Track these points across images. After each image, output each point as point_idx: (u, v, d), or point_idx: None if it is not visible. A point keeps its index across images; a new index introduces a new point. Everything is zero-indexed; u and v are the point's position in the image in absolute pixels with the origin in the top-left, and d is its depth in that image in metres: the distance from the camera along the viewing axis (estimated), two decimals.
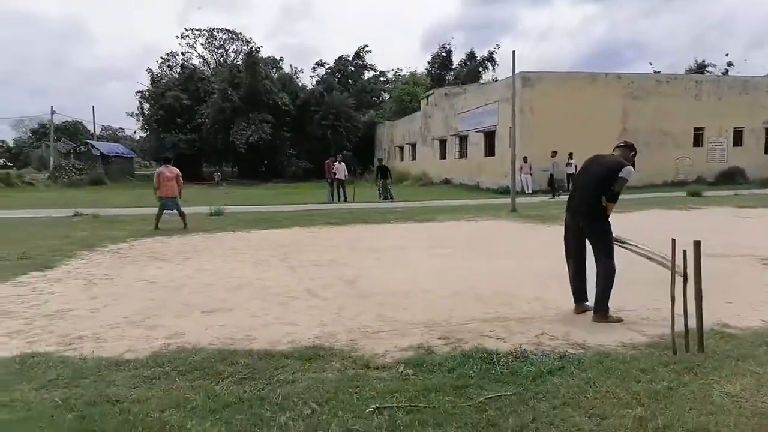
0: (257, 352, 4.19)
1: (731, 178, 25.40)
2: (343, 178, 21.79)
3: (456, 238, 10.89)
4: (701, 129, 25.96)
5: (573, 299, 5.29)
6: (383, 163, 25.65)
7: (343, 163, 22.15)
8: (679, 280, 3.92)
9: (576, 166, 22.13)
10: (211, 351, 4.22)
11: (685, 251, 3.89)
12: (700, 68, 43.48)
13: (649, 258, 4.53)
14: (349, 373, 3.76)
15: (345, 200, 21.29)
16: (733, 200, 17.25)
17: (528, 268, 7.59)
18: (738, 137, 26.53)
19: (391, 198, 21.79)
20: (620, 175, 4.86)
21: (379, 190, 22.58)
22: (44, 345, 4.49)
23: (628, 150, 5.17)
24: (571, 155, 22.84)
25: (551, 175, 21.85)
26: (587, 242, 5.12)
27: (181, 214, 12.74)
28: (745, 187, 22.38)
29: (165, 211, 12.73)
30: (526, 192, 22.62)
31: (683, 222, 12.75)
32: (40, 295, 6.29)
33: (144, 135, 54.88)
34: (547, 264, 7.21)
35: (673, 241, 3.96)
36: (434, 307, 5.56)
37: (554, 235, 10.19)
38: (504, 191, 21.69)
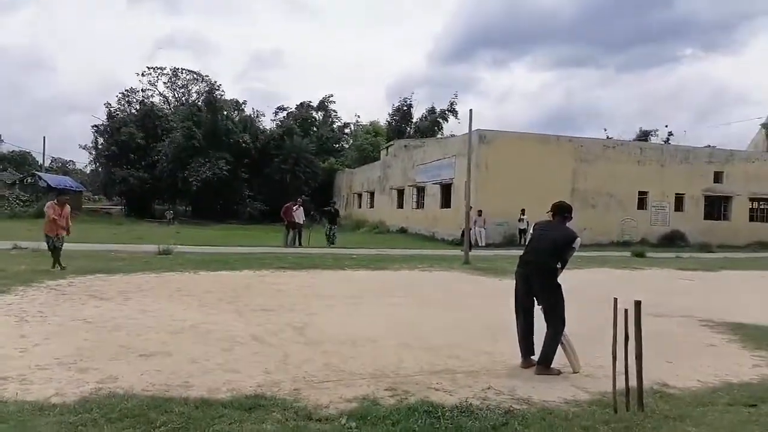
0: (194, 400, 4.00)
1: (673, 241, 26.53)
2: (301, 223, 21.64)
3: (408, 288, 10.88)
4: (645, 193, 27.21)
5: (520, 353, 5.35)
6: (335, 207, 25.62)
7: (302, 207, 22.05)
8: (620, 338, 4.01)
9: (528, 222, 22.76)
10: (145, 398, 4.01)
11: (626, 310, 4.00)
12: (644, 136, 46.29)
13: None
14: (289, 425, 3.63)
15: (300, 245, 21.08)
16: (674, 262, 17.97)
17: (478, 320, 7.64)
18: (679, 203, 27.90)
19: (332, 244, 21.77)
20: (573, 245, 5.23)
21: (327, 234, 22.54)
22: None
23: (570, 217, 5.53)
24: (523, 211, 23.50)
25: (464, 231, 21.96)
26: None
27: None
28: (686, 251, 23.39)
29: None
30: (480, 245, 22.98)
31: (627, 281, 13.16)
32: None
33: (94, 168, 53.43)
34: (496, 317, 7.27)
35: (615, 300, 4.07)
36: (382, 357, 5.49)
37: (505, 288, 10.31)
38: (458, 243, 21.95)
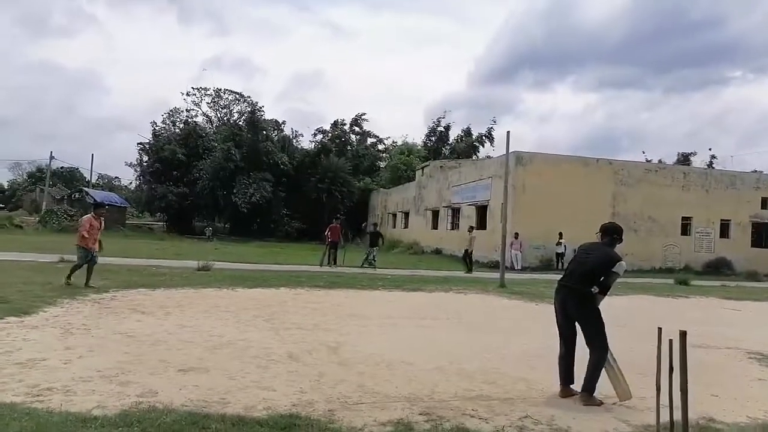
0: (230, 418, 4.04)
1: (718, 268, 25.63)
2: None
3: (443, 310, 10.78)
4: (689, 219, 26.43)
5: (559, 381, 5.21)
6: (376, 229, 25.57)
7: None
8: (665, 369, 3.88)
9: (565, 246, 22.38)
10: (183, 413, 4.07)
11: (671, 341, 3.87)
12: (685, 159, 45.39)
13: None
14: None
15: (335, 264, 21.17)
16: (720, 291, 17.32)
17: (514, 345, 7.49)
18: (725, 229, 26.99)
19: (371, 266, 21.17)
20: (614, 269, 4.98)
21: (367, 255, 22.13)
22: (11, 395, 4.32)
23: (620, 239, 5.31)
24: (561, 235, 23.13)
25: (466, 251, 21.65)
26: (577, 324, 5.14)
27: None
28: (732, 279, 22.53)
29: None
30: (516, 268, 22.67)
31: (670, 310, 12.74)
32: (14, 342, 6.11)
33: (138, 185, 55.25)
34: (533, 342, 7.13)
35: (659, 329, 3.95)
36: (417, 381, 5.44)
37: (542, 312, 10.14)
38: (494, 265, 21.71)
